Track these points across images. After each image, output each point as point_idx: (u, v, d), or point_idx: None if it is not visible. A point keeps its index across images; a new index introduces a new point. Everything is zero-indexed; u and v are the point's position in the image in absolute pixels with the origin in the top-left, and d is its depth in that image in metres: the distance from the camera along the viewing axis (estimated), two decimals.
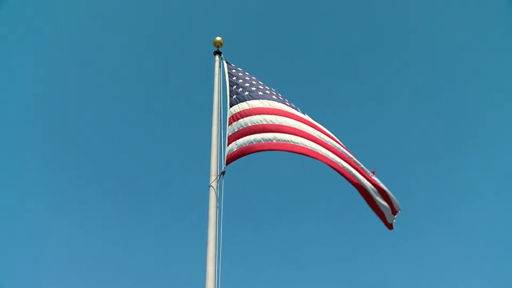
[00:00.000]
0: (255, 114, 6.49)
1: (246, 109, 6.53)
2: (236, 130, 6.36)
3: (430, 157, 18.18)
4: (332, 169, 6.29)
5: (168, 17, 18.97)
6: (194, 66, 17.33)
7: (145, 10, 18.54)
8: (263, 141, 6.26)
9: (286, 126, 6.44)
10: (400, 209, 6.40)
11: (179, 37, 18.82)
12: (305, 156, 6.27)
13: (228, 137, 6.31)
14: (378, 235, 15.81)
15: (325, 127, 6.79)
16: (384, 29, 19.41)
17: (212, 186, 5.90)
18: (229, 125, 6.42)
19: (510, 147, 16.45)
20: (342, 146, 6.60)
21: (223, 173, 5.97)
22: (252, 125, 6.38)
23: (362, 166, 6.47)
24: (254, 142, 6.25)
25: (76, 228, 15.09)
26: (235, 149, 6.19)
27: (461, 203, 16.81)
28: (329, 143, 6.49)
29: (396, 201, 6.40)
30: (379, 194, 6.36)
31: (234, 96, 6.71)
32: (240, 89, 6.81)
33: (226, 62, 7.25)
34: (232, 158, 6.14)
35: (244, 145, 6.23)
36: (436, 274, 14.90)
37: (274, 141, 6.26)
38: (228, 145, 6.24)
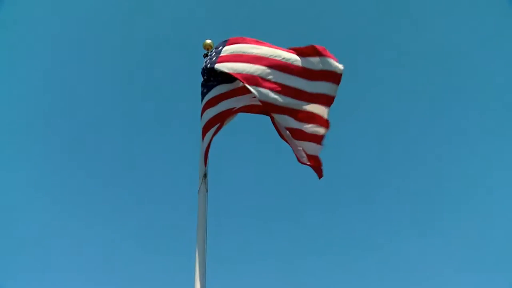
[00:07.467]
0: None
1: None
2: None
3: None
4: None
5: (159, 19, 18.82)
6: (184, 69, 17.13)
7: (137, 11, 18.45)
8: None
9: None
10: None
11: (170, 40, 18.59)
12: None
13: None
14: (376, 235, 15.84)
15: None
16: None
17: (200, 189, 5.98)
18: None
19: None
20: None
21: (204, 175, 6.00)
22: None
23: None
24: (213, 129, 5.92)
25: (67, 228, 15.12)
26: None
27: None
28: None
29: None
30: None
31: None
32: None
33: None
34: (206, 157, 5.98)
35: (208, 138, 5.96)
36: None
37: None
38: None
